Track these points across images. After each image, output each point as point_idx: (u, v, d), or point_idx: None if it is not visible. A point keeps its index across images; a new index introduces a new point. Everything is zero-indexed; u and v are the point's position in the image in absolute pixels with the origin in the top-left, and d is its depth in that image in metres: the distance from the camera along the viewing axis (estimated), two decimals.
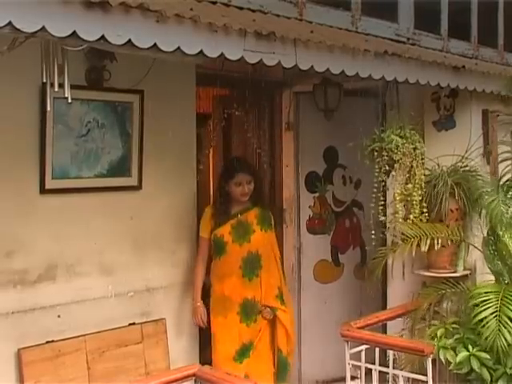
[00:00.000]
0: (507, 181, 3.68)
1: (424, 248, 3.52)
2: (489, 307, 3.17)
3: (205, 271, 3.98)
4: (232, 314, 3.87)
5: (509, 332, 3.09)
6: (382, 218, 3.66)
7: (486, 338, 3.12)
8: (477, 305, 3.22)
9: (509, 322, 3.11)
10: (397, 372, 3.44)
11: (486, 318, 3.15)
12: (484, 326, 3.14)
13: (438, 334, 3.39)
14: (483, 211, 3.65)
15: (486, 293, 3.25)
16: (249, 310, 3.90)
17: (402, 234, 3.56)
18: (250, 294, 3.90)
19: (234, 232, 3.91)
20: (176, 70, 3.78)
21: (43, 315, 3.37)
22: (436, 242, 3.55)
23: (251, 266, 3.89)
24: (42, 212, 3.38)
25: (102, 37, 2.04)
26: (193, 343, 4.11)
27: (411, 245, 3.52)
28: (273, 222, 4.10)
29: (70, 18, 1.95)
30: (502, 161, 3.82)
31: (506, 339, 3.08)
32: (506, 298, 3.20)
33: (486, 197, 3.52)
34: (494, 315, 3.14)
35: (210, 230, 3.96)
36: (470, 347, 3.23)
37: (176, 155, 3.93)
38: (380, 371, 3.51)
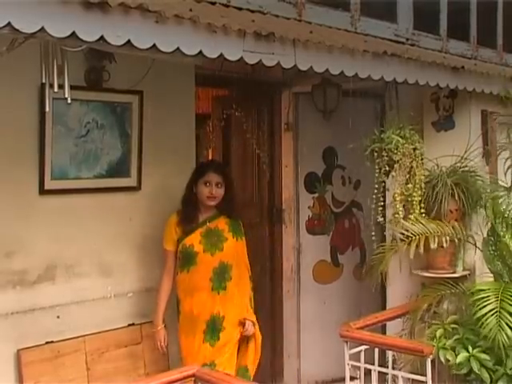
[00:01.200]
0: None
1: (433, 245, 3.46)
2: (488, 304, 3.15)
3: (171, 289, 3.65)
4: (199, 334, 3.56)
5: (510, 327, 3.06)
6: (382, 219, 3.65)
7: (486, 336, 3.10)
8: (476, 302, 3.21)
9: (509, 318, 3.08)
10: (396, 372, 3.44)
11: (485, 314, 3.13)
12: (483, 323, 3.12)
13: (438, 334, 3.38)
14: (485, 211, 3.64)
15: (484, 290, 3.23)
16: (215, 327, 3.57)
17: (407, 230, 3.51)
18: (217, 309, 3.58)
19: (204, 241, 3.59)
20: (175, 70, 3.79)
21: (42, 316, 3.38)
22: (444, 239, 3.51)
23: (220, 278, 3.57)
24: (42, 213, 3.38)
25: (102, 37, 2.03)
26: None
27: (418, 242, 3.42)
28: (243, 231, 3.76)
29: (69, 19, 1.95)
30: (509, 167, 3.82)
31: (506, 334, 3.06)
32: (506, 294, 3.18)
33: (493, 199, 3.52)
34: (493, 311, 3.12)
35: (175, 240, 3.63)
36: (469, 348, 3.23)
37: (175, 156, 3.93)
38: (379, 372, 3.51)
